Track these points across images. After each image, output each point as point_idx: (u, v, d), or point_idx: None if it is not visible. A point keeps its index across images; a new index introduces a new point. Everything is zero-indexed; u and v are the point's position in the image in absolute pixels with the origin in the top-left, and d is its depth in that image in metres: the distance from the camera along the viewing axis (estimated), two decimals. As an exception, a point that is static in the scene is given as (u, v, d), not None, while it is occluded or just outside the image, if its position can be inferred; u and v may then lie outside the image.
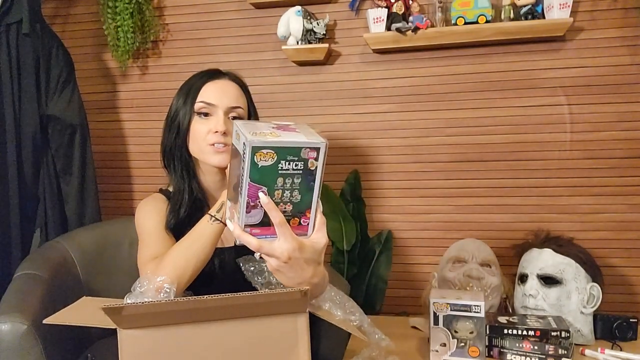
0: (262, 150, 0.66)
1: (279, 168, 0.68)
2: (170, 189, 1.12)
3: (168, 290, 0.85)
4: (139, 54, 1.83)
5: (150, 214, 1.06)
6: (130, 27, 1.72)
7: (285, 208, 0.71)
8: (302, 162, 0.69)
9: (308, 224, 0.75)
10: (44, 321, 0.80)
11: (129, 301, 0.83)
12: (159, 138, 1.12)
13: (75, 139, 1.65)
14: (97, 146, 1.84)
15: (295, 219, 0.73)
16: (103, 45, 1.84)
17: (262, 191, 0.69)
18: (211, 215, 0.96)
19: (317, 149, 0.69)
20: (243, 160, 0.67)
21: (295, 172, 0.69)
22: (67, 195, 1.66)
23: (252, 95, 1.15)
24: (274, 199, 0.70)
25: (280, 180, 0.69)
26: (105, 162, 1.89)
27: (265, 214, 0.70)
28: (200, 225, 0.96)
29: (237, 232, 0.71)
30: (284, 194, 0.70)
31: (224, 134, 1.02)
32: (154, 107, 1.84)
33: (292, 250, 0.72)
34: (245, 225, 0.71)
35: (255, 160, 0.66)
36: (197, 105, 1.05)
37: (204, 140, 1.04)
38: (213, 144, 1.03)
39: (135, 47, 1.76)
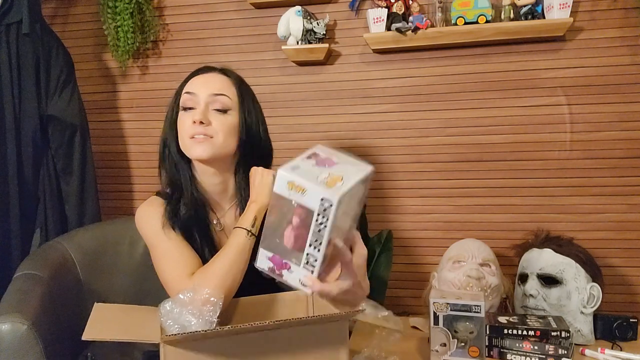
0: (344, 199, 0.61)
1: (347, 210, 0.65)
2: (168, 190, 1.08)
3: (215, 303, 0.83)
4: (139, 54, 1.83)
5: (159, 226, 1.03)
6: (130, 27, 1.71)
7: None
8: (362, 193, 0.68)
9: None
10: (83, 338, 0.77)
11: (167, 307, 0.81)
12: (158, 138, 1.11)
13: (75, 139, 1.65)
14: (97, 146, 1.84)
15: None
16: (103, 45, 1.84)
17: (334, 239, 0.65)
18: (248, 231, 0.96)
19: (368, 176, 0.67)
20: (323, 217, 0.61)
21: (351, 206, 0.67)
22: (67, 195, 1.65)
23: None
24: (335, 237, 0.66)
25: (343, 219, 0.65)
26: (105, 162, 1.89)
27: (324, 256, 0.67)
28: (240, 240, 0.95)
29: (318, 288, 0.68)
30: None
31: (202, 123, 0.98)
32: (154, 107, 1.84)
33: (355, 278, 0.76)
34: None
35: (338, 214, 0.61)
36: (182, 98, 1.03)
37: (186, 133, 1.01)
38: (193, 136, 0.99)
39: (135, 47, 1.76)
